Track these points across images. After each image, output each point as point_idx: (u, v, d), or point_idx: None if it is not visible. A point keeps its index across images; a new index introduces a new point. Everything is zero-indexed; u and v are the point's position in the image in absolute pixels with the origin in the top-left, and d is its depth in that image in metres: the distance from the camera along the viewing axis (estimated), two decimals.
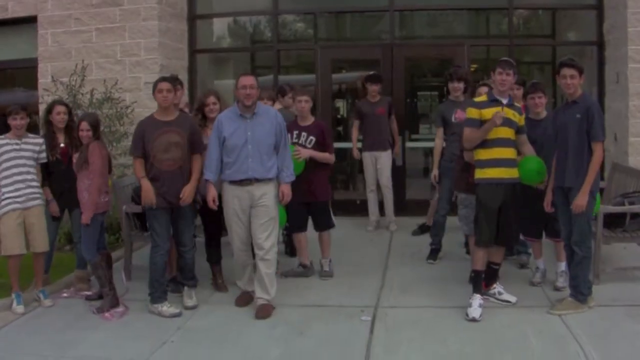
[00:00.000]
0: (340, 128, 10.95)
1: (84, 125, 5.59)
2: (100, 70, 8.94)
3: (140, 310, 5.55)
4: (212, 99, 6.02)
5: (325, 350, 4.66)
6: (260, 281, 5.42)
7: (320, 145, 6.20)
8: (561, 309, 5.14)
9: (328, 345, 4.73)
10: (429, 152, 9.26)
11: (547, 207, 5.44)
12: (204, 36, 10.17)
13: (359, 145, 8.26)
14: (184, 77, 9.48)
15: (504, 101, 5.24)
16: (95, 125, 5.64)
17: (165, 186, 5.39)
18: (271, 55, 9.52)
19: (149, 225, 5.64)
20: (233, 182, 5.41)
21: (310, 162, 6.13)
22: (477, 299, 5.19)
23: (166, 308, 5.43)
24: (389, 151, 8.21)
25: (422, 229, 8.02)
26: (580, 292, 5.16)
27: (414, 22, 10.32)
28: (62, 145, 6.06)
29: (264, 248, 5.38)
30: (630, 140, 8.07)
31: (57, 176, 6.03)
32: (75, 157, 5.74)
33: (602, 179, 6.89)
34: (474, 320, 5.04)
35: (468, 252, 6.45)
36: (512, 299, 5.41)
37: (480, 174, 5.26)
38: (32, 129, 6.16)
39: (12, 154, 5.67)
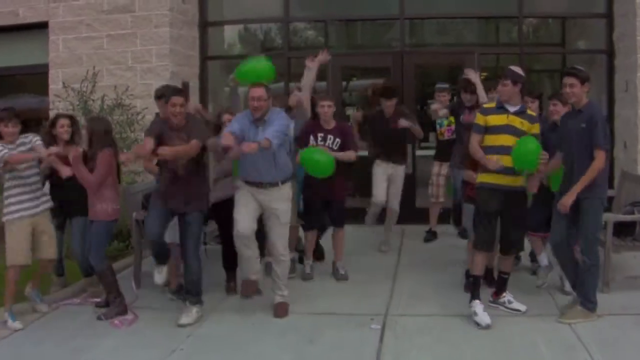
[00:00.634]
0: None
1: (64, 121, 5.67)
2: (111, 77, 8.97)
3: (150, 318, 5.56)
4: (227, 117, 6.04)
5: (335, 358, 4.69)
6: (276, 281, 5.60)
7: (345, 147, 6.38)
8: (571, 318, 5.15)
9: (338, 353, 4.75)
10: None
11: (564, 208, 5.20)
12: (215, 43, 10.20)
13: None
14: (195, 84, 9.58)
15: (511, 109, 5.27)
16: (75, 122, 5.76)
17: (169, 191, 5.39)
18: (282, 63, 9.53)
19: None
20: (247, 182, 5.48)
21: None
22: (479, 305, 5.22)
23: (157, 274, 5.63)
24: (404, 166, 7.75)
25: (433, 234, 8.12)
26: (589, 300, 5.17)
27: (424, 30, 10.33)
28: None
29: (278, 251, 5.54)
30: (639, 148, 8.07)
31: (60, 187, 5.87)
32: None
33: (611, 187, 6.90)
34: (488, 327, 5.05)
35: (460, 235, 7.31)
36: (522, 307, 5.42)
37: (480, 177, 5.36)
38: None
39: None
